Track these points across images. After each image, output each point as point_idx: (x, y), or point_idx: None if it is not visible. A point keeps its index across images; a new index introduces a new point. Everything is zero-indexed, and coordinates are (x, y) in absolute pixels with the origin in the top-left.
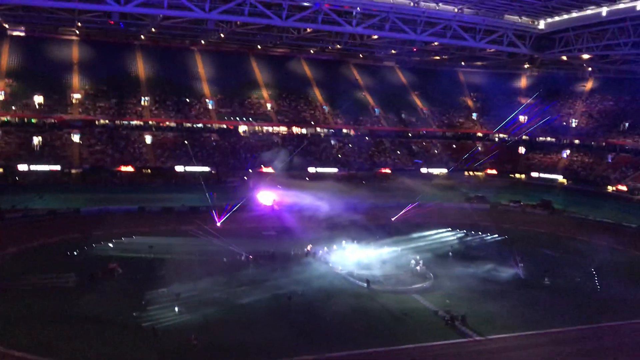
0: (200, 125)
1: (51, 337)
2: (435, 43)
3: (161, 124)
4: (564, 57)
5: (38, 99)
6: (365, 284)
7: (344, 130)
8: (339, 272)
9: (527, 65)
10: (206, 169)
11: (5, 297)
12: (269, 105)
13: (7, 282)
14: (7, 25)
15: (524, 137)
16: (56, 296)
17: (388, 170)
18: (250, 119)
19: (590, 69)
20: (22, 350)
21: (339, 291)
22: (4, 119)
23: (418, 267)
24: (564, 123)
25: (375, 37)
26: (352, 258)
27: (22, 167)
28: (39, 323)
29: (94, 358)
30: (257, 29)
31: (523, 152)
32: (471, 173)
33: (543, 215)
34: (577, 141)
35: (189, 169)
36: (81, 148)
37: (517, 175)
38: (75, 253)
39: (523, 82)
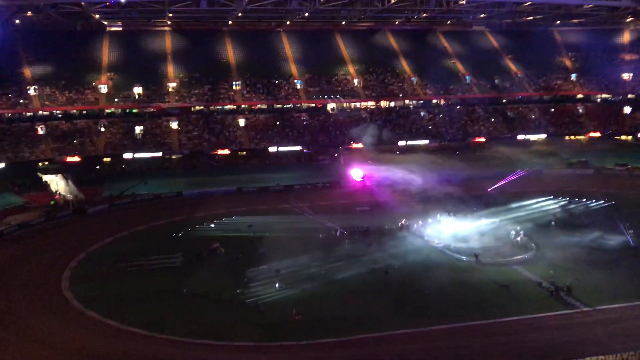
0: (290, 105)
1: (162, 314)
2: (528, 3)
3: (253, 107)
4: None
5: (137, 90)
6: (466, 258)
7: (434, 101)
8: (435, 245)
9: (630, 19)
10: (298, 148)
11: (119, 278)
12: (355, 81)
13: (119, 263)
14: (105, 22)
15: (629, 96)
16: (165, 276)
17: (482, 139)
18: (338, 96)
19: None
20: (136, 327)
21: (436, 265)
22: (108, 111)
23: (519, 238)
24: None
25: (463, 1)
26: (448, 231)
27: (127, 156)
28: (150, 301)
29: (202, 333)
30: (341, 5)
31: (629, 112)
32: (572, 137)
33: None
34: None
35: (282, 149)
36: (180, 134)
37: (623, 137)
38: (180, 234)
39: (626, 37)
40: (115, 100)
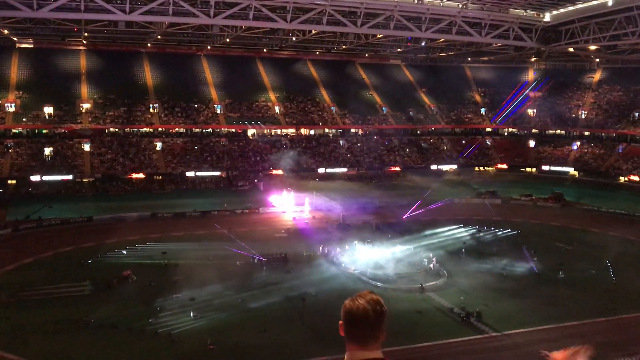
0: (209, 130)
1: (67, 346)
2: (441, 40)
3: (170, 131)
4: (571, 49)
5: (48, 110)
6: (382, 285)
7: (352, 130)
8: (352, 272)
9: (534, 59)
10: (216, 173)
11: (21, 307)
12: (276, 108)
13: (22, 292)
14: (15, 38)
15: (533, 130)
16: (72, 305)
17: (397, 169)
18: (259, 122)
19: (597, 60)
20: None
21: (353, 291)
22: (16, 130)
23: (431, 265)
24: (573, 115)
25: (380, 35)
26: (365, 258)
27: (34, 178)
28: (55, 332)
29: None
30: (263, 33)
31: (533, 146)
32: (481, 168)
33: (555, 208)
34: (587, 133)
35: (200, 174)
36: (92, 157)
37: (528, 169)
38: (89, 261)
39: (530, 76)
40: (24, 120)
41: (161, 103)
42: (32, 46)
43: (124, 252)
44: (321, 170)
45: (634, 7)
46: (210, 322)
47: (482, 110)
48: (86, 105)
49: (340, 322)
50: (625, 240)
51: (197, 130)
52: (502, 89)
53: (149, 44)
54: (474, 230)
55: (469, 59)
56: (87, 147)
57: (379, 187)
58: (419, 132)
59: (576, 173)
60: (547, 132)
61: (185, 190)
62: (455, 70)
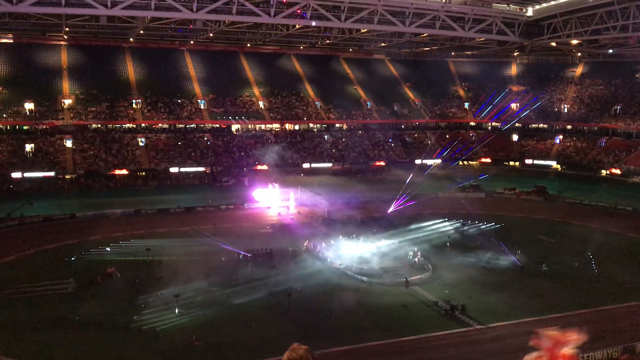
0: (192, 125)
1: (50, 344)
2: (425, 34)
3: (154, 126)
4: (553, 43)
5: (29, 106)
6: (367, 279)
7: (337, 125)
8: (337, 267)
9: (517, 53)
10: (201, 169)
11: (4, 305)
12: (260, 103)
13: (4, 290)
14: None
15: (516, 124)
16: (55, 303)
17: (382, 163)
18: (243, 117)
19: (579, 54)
20: (22, 359)
21: (338, 286)
22: None
23: (416, 259)
24: (556, 109)
25: (364, 30)
26: (350, 252)
27: (15, 175)
28: (38, 330)
29: None
30: (246, 27)
31: (516, 140)
32: (465, 162)
33: (538, 202)
34: (569, 126)
35: (184, 169)
36: (74, 153)
37: (511, 163)
38: (72, 258)
39: (513, 70)
40: (4, 116)
41: (144, 98)
42: (11, 41)
43: (108, 249)
44: (306, 165)
45: (614, 1)
46: (195, 318)
47: (466, 105)
48: (68, 101)
49: None
50: (606, 233)
51: (180, 125)
52: (485, 83)
53: (131, 39)
54: (459, 224)
55: (453, 53)
56: (69, 144)
57: (363, 181)
58: (403, 126)
59: (559, 166)
60: (530, 126)
61: (169, 186)
62: (439, 65)
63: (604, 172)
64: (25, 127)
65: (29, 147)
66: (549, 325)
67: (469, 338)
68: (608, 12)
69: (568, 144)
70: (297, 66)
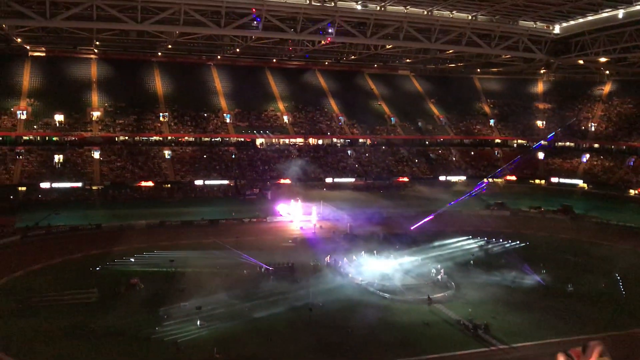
0: (218, 139)
1: (73, 353)
2: (450, 50)
3: (180, 139)
4: (581, 61)
5: (59, 118)
6: (389, 296)
7: (361, 140)
8: (359, 283)
9: (544, 70)
10: (225, 182)
11: (29, 314)
12: (285, 118)
13: (30, 298)
14: (27, 47)
15: (542, 142)
16: (79, 312)
17: (406, 179)
18: (267, 131)
19: (607, 72)
20: None
21: (360, 302)
22: (26, 137)
23: (439, 277)
24: (583, 127)
25: (390, 46)
26: (372, 268)
27: (44, 185)
28: (61, 339)
29: None
30: (272, 43)
31: (542, 158)
32: (490, 180)
33: (564, 221)
34: (596, 145)
35: (208, 182)
36: (102, 165)
37: (537, 181)
38: (97, 269)
39: (540, 88)
40: (35, 127)
41: (171, 112)
42: (44, 54)
43: (132, 259)
44: (329, 180)
45: None
46: (216, 331)
47: (492, 122)
48: (96, 113)
49: None
50: (635, 253)
51: (206, 139)
52: (511, 100)
53: (159, 53)
54: (483, 242)
55: (478, 70)
56: (96, 155)
57: (386, 197)
58: (427, 142)
59: (585, 185)
60: (556, 144)
61: (193, 199)
62: (464, 82)
63: (632, 191)
64: (54, 139)
65: (57, 158)
66: (574, 346)
67: (492, 358)
68: (638, 30)
69: (595, 162)
70: (322, 81)
